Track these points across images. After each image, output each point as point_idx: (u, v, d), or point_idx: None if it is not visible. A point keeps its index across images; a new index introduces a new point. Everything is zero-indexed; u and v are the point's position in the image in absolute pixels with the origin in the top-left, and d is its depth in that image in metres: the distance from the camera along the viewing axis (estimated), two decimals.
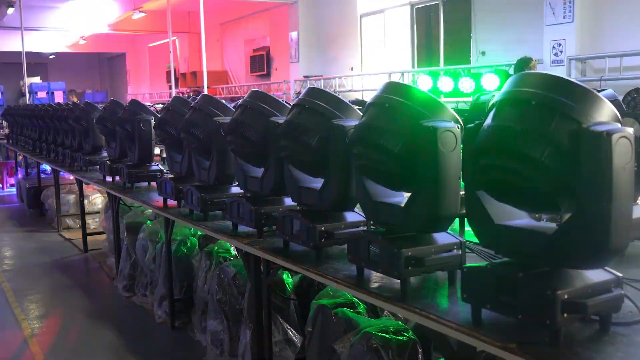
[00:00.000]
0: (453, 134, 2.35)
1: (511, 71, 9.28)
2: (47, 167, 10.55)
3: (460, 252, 2.52)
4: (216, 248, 4.88)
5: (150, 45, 25.96)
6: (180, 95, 4.98)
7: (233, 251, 4.81)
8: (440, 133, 2.31)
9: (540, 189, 1.90)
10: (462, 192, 2.35)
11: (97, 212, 8.77)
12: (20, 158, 13.48)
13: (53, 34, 23.52)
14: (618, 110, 2.78)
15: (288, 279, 4.09)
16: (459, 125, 2.38)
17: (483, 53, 10.75)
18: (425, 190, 2.40)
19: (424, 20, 13.08)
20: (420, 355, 2.94)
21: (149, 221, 5.99)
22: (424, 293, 2.48)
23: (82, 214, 7.99)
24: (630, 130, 1.81)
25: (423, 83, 10.61)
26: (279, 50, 16.71)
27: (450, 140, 2.34)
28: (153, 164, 5.70)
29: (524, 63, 7.83)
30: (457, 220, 3.51)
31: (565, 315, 1.87)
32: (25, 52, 16.75)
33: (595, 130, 1.79)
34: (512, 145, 1.92)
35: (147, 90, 26.44)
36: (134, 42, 27.23)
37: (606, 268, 2.05)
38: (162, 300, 5.34)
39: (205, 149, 4.18)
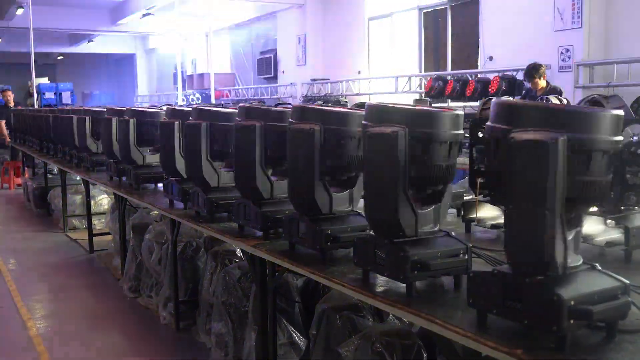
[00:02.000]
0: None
1: (520, 77, 9.27)
2: (54, 168, 10.59)
3: (466, 257, 2.52)
4: (222, 250, 4.88)
5: (159, 46, 26.05)
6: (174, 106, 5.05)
7: (239, 253, 4.82)
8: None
9: None
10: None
11: (104, 213, 8.79)
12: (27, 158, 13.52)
13: (62, 35, 23.64)
14: (626, 117, 2.77)
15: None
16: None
17: (491, 58, 10.74)
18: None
19: (431, 25, 13.08)
20: None
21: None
22: (429, 297, 2.48)
23: (89, 214, 8.01)
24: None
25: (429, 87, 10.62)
26: (286, 53, 16.74)
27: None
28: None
29: (534, 69, 7.84)
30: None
31: (572, 321, 1.87)
32: (34, 52, 16.82)
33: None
34: None
35: (155, 91, 26.52)
36: (142, 43, 27.34)
37: (613, 274, 2.04)
38: (167, 302, 5.35)
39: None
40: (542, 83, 7.85)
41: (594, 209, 2.43)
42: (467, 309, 2.19)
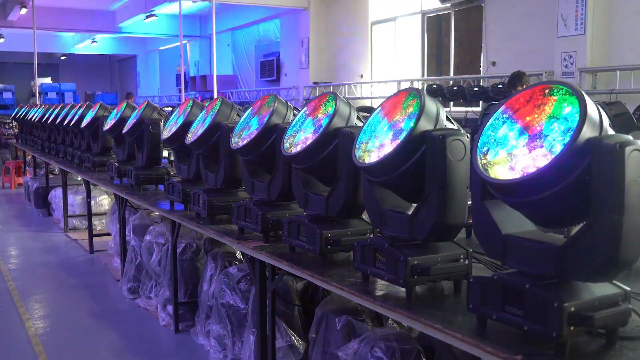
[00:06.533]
0: (462, 143, 2.35)
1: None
2: (56, 168, 10.59)
3: (466, 262, 2.51)
4: (222, 252, 4.88)
5: (161, 48, 26.08)
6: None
7: (239, 255, 4.81)
8: (449, 142, 2.31)
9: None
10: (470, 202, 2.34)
11: (104, 214, 8.79)
12: (29, 158, 13.54)
13: (65, 35, 23.68)
14: (629, 124, 2.78)
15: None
16: (468, 135, 2.39)
17: (493, 63, 10.74)
18: (432, 198, 2.39)
19: (435, 29, 13.09)
20: None
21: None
22: (429, 302, 2.47)
23: (89, 215, 8.01)
24: None
25: (431, 92, 10.63)
26: (289, 56, 16.76)
27: (459, 149, 2.34)
28: (161, 166, 5.72)
29: (517, 78, 7.84)
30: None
31: (572, 328, 1.86)
32: (37, 52, 16.84)
33: (608, 143, 1.79)
34: None
35: (157, 93, 26.54)
36: (144, 45, 27.36)
37: (614, 281, 2.03)
38: (167, 303, 5.34)
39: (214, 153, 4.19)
40: None
41: None
42: (466, 314, 2.18)
